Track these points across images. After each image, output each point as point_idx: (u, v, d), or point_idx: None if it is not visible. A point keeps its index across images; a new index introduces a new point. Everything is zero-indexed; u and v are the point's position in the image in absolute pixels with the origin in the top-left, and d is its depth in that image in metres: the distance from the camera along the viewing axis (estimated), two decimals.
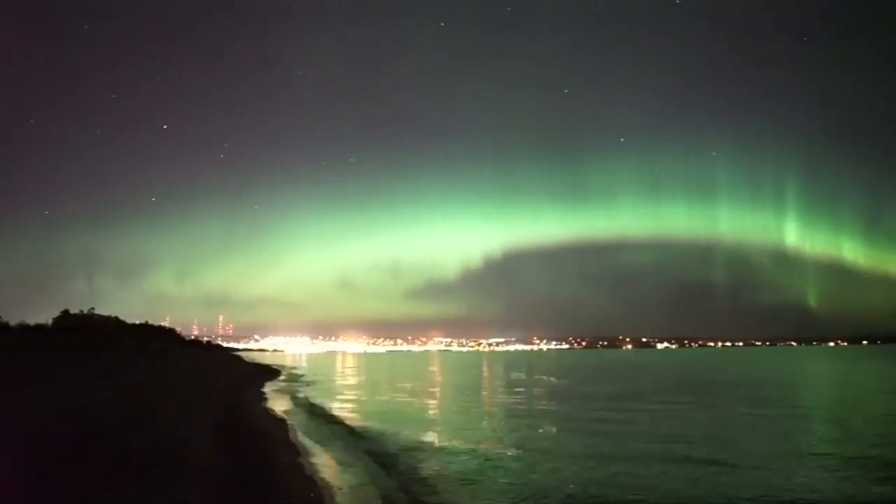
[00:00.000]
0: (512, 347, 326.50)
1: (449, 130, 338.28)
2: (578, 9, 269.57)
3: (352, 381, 53.29)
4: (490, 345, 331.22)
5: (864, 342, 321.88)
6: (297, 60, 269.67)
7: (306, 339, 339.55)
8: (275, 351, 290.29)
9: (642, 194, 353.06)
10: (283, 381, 49.88)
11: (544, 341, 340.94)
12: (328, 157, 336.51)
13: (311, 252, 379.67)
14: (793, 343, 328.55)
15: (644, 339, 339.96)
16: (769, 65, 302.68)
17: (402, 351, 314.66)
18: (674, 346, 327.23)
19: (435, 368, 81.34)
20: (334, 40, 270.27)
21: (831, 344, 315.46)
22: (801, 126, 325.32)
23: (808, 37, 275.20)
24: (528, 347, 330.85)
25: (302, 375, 59.44)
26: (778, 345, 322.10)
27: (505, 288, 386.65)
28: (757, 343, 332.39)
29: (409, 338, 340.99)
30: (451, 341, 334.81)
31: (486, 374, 62.85)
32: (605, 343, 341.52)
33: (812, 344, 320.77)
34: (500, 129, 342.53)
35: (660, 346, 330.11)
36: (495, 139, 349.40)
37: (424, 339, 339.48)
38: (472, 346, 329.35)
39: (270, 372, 62.72)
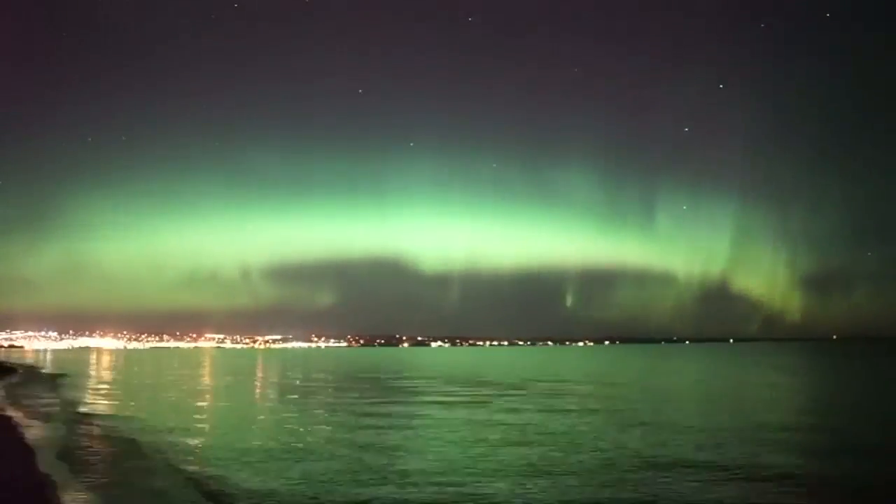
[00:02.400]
0: (290, 345, 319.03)
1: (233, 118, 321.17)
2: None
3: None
4: (266, 342, 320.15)
5: (606, 342, 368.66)
6: None
7: (53, 333, 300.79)
8: (10, 347, 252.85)
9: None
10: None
11: (322, 339, 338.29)
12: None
13: (65, 234, 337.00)
14: (550, 343, 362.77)
15: (420, 338, 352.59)
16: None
17: (168, 347, 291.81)
18: (447, 345, 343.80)
19: (206, 373, 76.35)
20: None
21: (580, 344, 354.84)
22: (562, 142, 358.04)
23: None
24: (306, 345, 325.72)
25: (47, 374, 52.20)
26: (538, 344, 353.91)
27: (284, 284, 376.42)
28: (519, 343, 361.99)
29: (178, 333, 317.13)
30: (225, 338, 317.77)
31: (260, 378, 60.47)
32: (383, 341, 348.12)
33: (566, 344, 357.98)
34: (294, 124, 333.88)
35: (434, 344, 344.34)
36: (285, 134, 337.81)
37: (195, 335, 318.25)
38: (247, 343, 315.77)
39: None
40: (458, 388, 36.62)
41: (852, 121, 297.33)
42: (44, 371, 58.64)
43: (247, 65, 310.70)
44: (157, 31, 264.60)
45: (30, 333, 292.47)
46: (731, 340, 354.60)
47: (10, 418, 21.48)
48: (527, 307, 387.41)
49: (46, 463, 13.93)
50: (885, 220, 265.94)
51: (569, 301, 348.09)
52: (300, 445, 16.67)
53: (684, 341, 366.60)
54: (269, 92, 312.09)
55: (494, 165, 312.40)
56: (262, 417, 24.54)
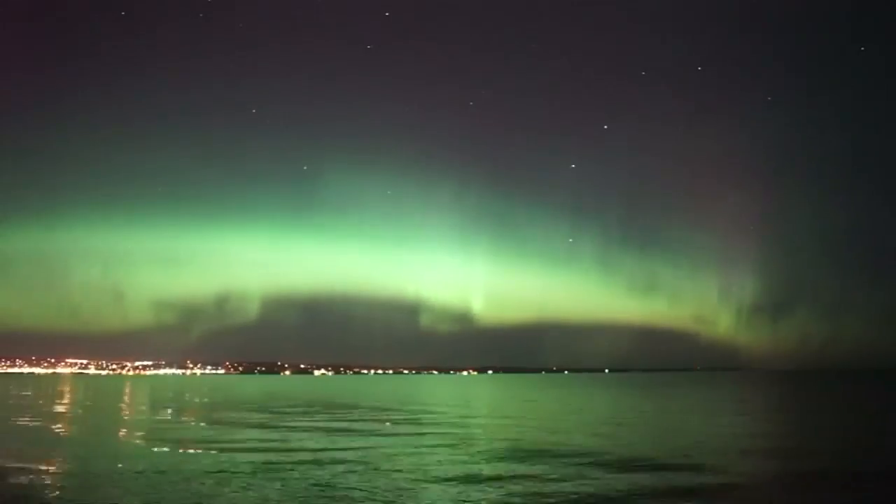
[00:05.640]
0: (162, 371, 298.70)
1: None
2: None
3: None
4: (136, 368, 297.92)
5: (489, 371, 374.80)
6: None
7: None
8: None
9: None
10: None
11: (199, 366, 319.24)
12: None
13: None
14: (434, 371, 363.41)
15: (302, 366, 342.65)
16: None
17: (21, 374, 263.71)
18: (330, 373, 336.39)
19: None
20: None
21: (464, 373, 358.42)
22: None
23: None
24: (180, 372, 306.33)
25: None
26: (422, 373, 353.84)
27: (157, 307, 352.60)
28: (404, 371, 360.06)
29: (34, 358, 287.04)
30: (89, 363, 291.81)
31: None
32: (263, 368, 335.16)
33: (450, 372, 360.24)
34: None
35: (317, 372, 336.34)
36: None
37: (53, 360, 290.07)
38: (114, 370, 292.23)
39: None
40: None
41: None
42: None
43: None
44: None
45: None
46: (607, 370, 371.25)
47: None
48: (409, 336, 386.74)
49: None
50: None
51: (451, 331, 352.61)
52: None
53: (563, 371, 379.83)
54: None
55: (389, 192, 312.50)
56: None
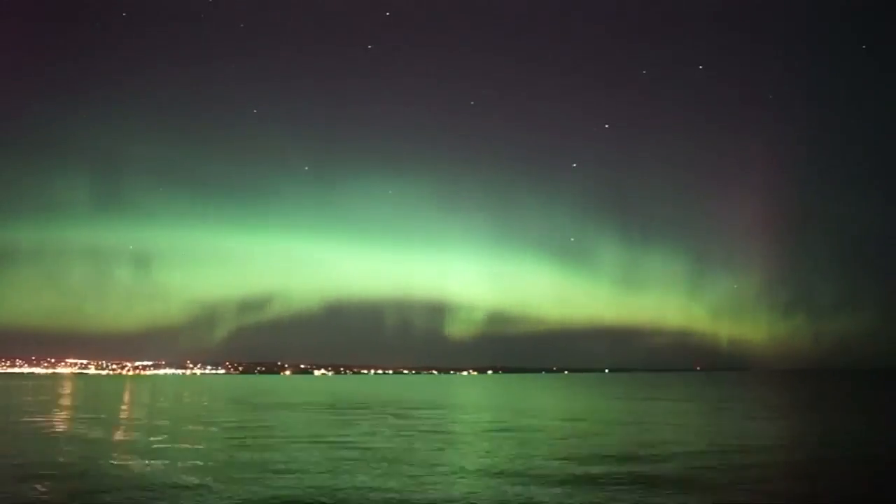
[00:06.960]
0: (161, 372, 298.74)
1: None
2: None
3: None
4: (136, 368, 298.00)
5: (489, 371, 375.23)
6: None
7: None
8: None
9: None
10: None
11: (198, 366, 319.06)
12: None
13: None
14: (434, 372, 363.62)
15: (303, 366, 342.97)
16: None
17: (21, 374, 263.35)
18: (330, 373, 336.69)
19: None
20: None
21: (464, 373, 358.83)
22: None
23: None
24: (179, 372, 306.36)
25: None
26: (422, 373, 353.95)
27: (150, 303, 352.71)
28: (404, 371, 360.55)
29: (34, 358, 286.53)
30: (89, 363, 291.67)
31: None
32: (263, 368, 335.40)
33: (450, 372, 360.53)
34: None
35: (317, 372, 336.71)
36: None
37: (53, 360, 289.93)
38: (114, 370, 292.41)
39: None
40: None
41: None
42: None
43: None
44: None
45: None
46: (607, 371, 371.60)
47: None
48: (410, 336, 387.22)
49: None
50: None
51: (451, 331, 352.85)
52: None
53: (563, 371, 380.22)
54: None
55: (390, 192, 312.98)
56: None
